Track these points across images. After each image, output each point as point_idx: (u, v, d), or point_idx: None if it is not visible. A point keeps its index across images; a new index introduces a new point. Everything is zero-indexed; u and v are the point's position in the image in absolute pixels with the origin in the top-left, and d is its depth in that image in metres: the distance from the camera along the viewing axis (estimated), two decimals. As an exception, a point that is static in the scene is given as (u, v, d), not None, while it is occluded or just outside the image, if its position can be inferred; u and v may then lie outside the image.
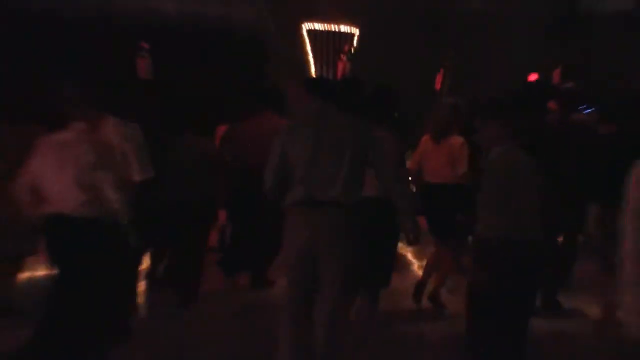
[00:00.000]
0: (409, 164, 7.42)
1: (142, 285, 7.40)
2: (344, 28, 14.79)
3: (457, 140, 7.60)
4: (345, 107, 5.40)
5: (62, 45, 12.38)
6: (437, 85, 13.71)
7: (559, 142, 7.43)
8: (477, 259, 5.10)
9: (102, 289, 5.12)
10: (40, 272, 7.55)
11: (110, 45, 12.47)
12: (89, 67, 10.12)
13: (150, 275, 7.71)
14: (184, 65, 12.67)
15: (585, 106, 8.96)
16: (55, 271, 5.26)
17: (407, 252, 9.89)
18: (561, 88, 9.10)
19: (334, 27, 14.74)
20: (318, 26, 14.65)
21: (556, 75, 12.42)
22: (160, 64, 12.52)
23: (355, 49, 14.82)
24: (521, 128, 5.45)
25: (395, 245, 6.63)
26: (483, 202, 5.02)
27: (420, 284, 7.58)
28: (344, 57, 14.62)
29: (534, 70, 14.86)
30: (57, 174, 5.08)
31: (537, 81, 14.19)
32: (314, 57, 14.66)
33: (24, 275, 7.43)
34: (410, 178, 7.36)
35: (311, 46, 14.66)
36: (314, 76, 5.94)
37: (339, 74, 14.49)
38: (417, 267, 9.66)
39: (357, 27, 14.78)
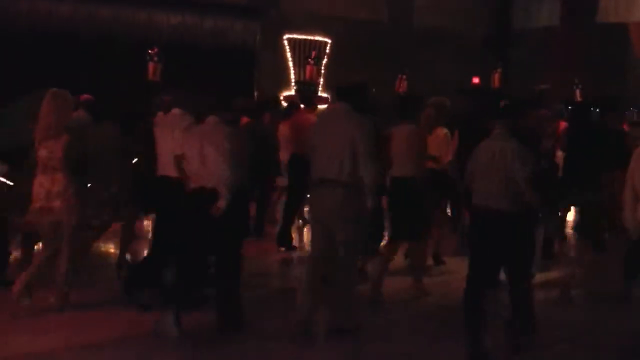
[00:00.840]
0: None
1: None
2: (319, 38, 16.58)
3: (442, 131, 8.72)
4: (361, 108, 6.44)
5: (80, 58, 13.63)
6: (398, 88, 15.91)
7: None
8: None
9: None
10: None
11: (124, 55, 13.85)
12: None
13: None
14: (184, 71, 13.61)
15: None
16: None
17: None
18: (537, 88, 10.22)
19: (310, 37, 16.46)
20: (296, 36, 16.38)
21: (495, 79, 14.10)
22: (165, 69, 14.08)
23: (327, 55, 16.62)
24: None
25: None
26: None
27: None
28: (312, 62, 16.32)
29: (474, 74, 17.10)
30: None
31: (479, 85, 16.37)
32: (293, 63, 16.45)
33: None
34: None
35: (291, 54, 16.42)
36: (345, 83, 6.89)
37: (308, 75, 16.27)
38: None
39: (330, 37, 16.63)
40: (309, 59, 16.40)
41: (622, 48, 19.38)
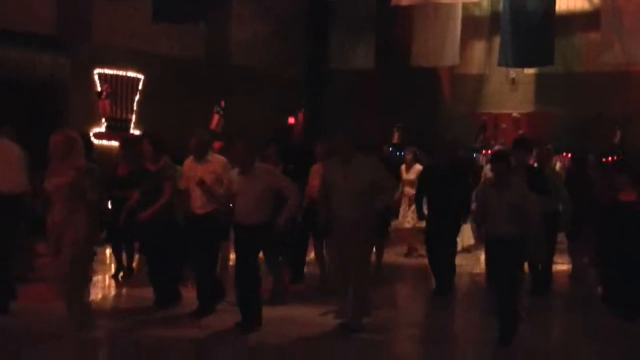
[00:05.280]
0: None
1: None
2: (131, 74, 16.66)
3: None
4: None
5: None
6: (212, 125, 16.32)
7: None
8: None
9: None
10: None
11: None
12: None
13: None
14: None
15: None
16: None
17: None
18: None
19: (121, 73, 16.48)
20: (108, 71, 16.28)
21: (300, 117, 14.82)
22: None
23: (140, 91, 16.77)
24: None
25: None
26: None
27: None
28: (103, 96, 16.19)
29: (290, 114, 17.69)
30: None
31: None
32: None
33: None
34: None
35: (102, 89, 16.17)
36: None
37: (101, 111, 16.20)
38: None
39: (143, 73, 16.77)
40: (102, 93, 16.34)
41: (434, 90, 20.67)
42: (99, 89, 16.37)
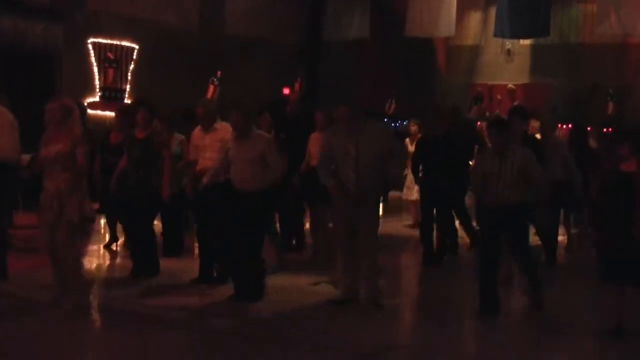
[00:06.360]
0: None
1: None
2: (125, 43, 16.58)
3: None
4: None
5: None
6: (208, 96, 16.09)
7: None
8: None
9: None
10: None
11: None
12: None
13: None
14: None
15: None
16: None
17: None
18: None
19: (116, 42, 16.41)
20: (102, 40, 16.24)
21: (297, 87, 14.69)
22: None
23: (134, 61, 16.71)
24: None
25: None
26: None
27: None
28: (114, 65, 16.25)
29: (285, 84, 17.57)
30: None
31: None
32: (98, 68, 16.24)
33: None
34: None
35: (96, 59, 16.22)
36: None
37: (108, 81, 16.33)
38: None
39: (137, 42, 16.68)
40: (109, 62, 16.36)
41: (430, 62, 20.58)
42: (93, 58, 16.25)
